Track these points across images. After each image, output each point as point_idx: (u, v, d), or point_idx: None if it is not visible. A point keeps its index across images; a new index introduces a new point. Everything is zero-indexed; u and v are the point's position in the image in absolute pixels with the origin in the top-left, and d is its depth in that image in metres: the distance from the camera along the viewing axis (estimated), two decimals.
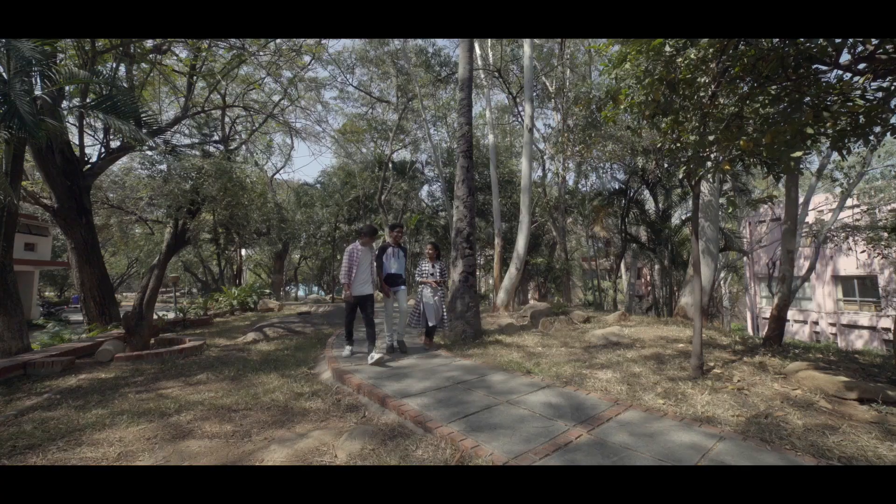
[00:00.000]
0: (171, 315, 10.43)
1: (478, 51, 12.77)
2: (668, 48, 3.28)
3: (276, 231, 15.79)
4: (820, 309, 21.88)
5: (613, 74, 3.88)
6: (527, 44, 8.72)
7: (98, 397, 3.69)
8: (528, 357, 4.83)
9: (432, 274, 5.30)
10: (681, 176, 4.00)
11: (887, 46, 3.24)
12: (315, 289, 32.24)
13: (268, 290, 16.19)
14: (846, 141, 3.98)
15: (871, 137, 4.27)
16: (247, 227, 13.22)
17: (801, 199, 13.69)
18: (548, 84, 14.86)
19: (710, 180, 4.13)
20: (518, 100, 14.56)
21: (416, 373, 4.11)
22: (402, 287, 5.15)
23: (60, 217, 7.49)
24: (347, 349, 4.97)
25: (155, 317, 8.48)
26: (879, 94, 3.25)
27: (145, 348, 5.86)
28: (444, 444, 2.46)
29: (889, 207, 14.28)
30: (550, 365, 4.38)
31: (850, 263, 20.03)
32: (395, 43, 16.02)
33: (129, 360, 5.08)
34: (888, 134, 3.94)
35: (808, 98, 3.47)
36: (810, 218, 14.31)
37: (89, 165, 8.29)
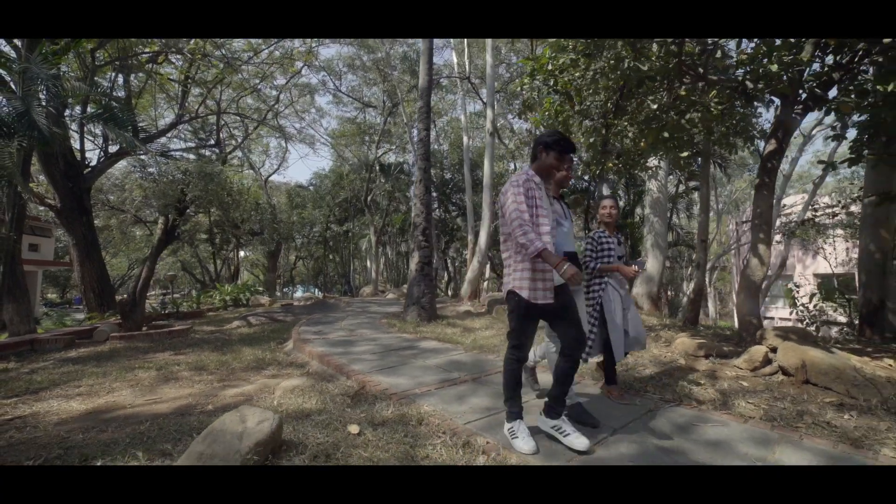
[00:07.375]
0: (165, 311, 11.22)
1: (454, 59, 13.54)
2: (551, 66, 4.02)
3: (270, 231, 16.60)
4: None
5: (527, 86, 4.64)
6: (488, 53, 9.49)
7: (95, 362, 4.45)
8: (463, 333, 5.56)
9: (621, 256, 2.87)
10: (580, 173, 4.74)
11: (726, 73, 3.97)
12: (312, 289, 33.09)
13: (261, 288, 16.98)
14: (731, 142, 4.74)
15: (758, 141, 5.04)
16: (240, 227, 14.01)
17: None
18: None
19: (613, 176, 4.86)
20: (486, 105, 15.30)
21: (362, 342, 4.86)
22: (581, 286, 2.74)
23: (63, 216, 8.29)
24: (525, 438, 2.07)
25: (149, 308, 9.25)
26: (723, 106, 3.97)
27: (138, 331, 6.61)
28: (354, 383, 3.19)
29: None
30: (479, 339, 5.10)
31: (831, 261, 20.57)
32: (385, 47, 16.80)
33: (122, 338, 5.83)
34: (758, 139, 4.70)
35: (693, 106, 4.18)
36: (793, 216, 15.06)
37: (89, 168, 9.09)
